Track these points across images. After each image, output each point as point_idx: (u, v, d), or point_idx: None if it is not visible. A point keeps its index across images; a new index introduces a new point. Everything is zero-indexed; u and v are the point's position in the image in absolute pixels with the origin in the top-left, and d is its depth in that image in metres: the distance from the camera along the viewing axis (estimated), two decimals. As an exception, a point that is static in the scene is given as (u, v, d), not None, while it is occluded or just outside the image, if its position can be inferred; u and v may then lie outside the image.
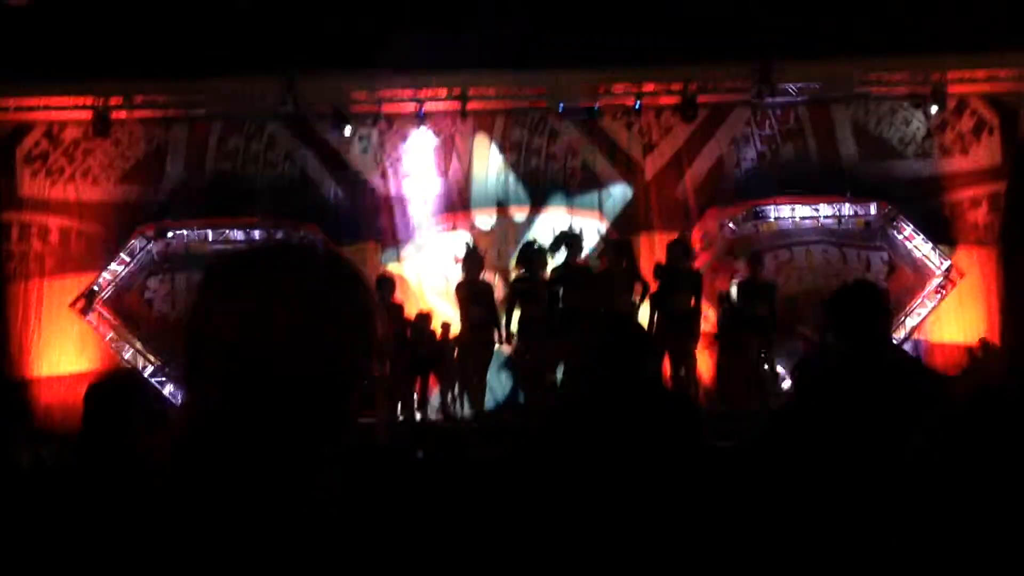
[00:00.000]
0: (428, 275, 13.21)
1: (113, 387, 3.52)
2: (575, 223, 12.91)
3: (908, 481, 3.37)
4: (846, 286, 4.18)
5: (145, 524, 1.01)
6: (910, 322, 12.62)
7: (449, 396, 11.32)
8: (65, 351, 12.64)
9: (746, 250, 12.32)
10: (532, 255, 10.79)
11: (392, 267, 12.93)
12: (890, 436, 3.35)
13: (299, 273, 1.11)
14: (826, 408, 3.67)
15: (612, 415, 4.00)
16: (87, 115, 12.67)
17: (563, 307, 10.50)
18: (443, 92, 12.92)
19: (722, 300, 11.88)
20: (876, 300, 3.89)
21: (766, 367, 11.31)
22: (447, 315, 11.83)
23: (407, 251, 13.25)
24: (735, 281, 11.69)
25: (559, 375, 10.75)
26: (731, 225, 13.04)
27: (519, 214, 13.36)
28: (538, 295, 10.59)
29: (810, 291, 12.55)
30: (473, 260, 11.11)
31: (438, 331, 11.50)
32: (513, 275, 11.40)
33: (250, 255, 1.16)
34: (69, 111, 12.77)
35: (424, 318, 11.45)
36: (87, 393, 3.19)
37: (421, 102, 12.93)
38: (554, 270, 10.87)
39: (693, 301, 10.71)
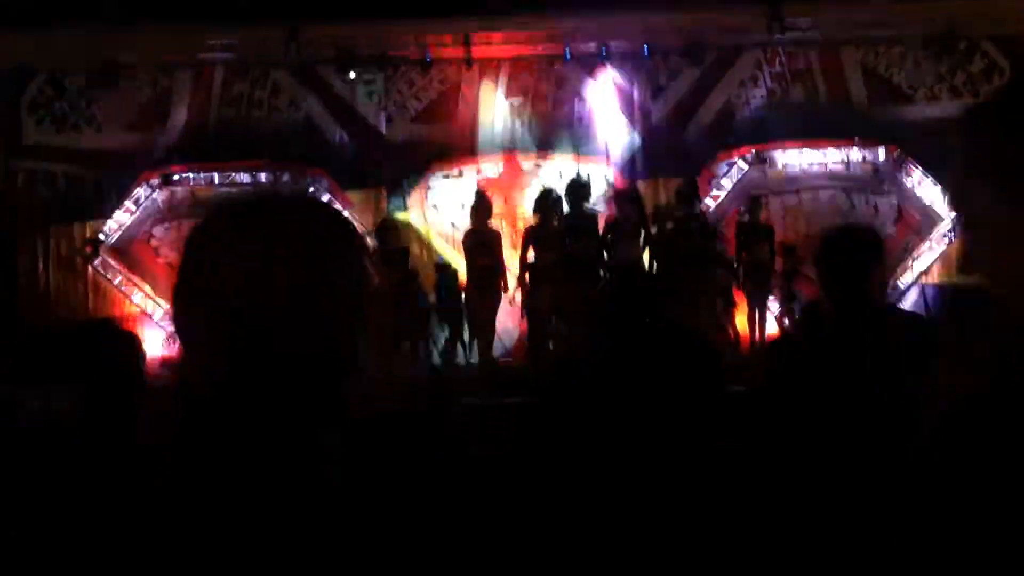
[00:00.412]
0: (435, 222, 13.19)
1: (119, 334, 3.52)
2: (582, 170, 12.86)
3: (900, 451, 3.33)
4: (834, 230, 3.75)
5: (145, 495, 1.00)
6: (918, 266, 12.59)
7: (450, 344, 11.35)
8: (73, 298, 12.68)
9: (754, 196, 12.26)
10: (548, 203, 10.71)
11: (398, 214, 12.90)
12: (875, 396, 3.30)
13: (298, 226, 1.09)
14: (808, 368, 3.56)
15: (621, 363, 3.99)
16: (91, 62, 12.58)
17: (570, 255, 10.46)
18: (448, 38, 12.81)
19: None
20: (867, 247, 3.49)
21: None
22: (454, 262, 11.83)
23: (413, 198, 13.21)
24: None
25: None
26: (738, 169, 12.97)
27: (526, 161, 13.29)
28: (552, 243, 10.53)
29: (816, 236, 12.53)
30: (480, 207, 11.05)
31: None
32: (529, 223, 11.31)
33: (245, 206, 1.13)
34: (73, 58, 12.66)
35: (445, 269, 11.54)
36: (82, 340, 3.18)
37: (426, 48, 12.82)
38: (564, 217, 10.82)
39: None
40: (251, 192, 1.30)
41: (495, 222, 11.34)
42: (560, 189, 11.33)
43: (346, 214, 1.09)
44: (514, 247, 11.50)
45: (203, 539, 0.96)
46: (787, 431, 3.57)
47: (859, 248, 3.47)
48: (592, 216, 11.03)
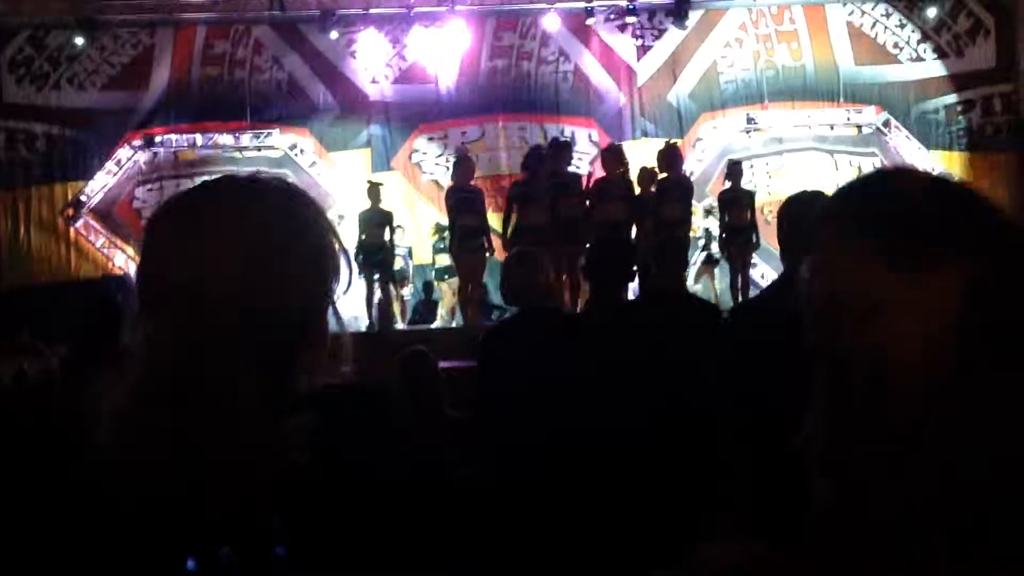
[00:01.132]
0: (419, 181, 13.15)
1: (99, 296, 3.51)
2: (567, 129, 12.81)
3: None
4: (795, 197, 3.50)
5: (97, 468, 0.99)
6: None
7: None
8: (54, 259, 12.62)
9: (738, 158, 12.26)
10: (535, 161, 10.63)
11: (383, 174, 12.84)
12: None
13: (248, 208, 1.09)
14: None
15: (606, 326, 4.01)
16: (72, 19, 12.44)
17: (557, 215, 10.41)
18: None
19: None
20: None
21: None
22: (440, 221, 11.80)
23: (397, 159, 13.16)
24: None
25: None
26: (723, 132, 12.97)
27: (510, 120, 13.23)
28: (539, 199, 10.45)
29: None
30: (464, 166, 10.99)
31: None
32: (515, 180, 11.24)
33: (196, 192, 1.14)
34: (52, 14, 12.51)
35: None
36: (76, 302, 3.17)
37: (411, 5, 12.71)
38: (550, 176, 10.75)
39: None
40: (207, 180, 1.30)
41: (478, 182, 11.28)
42: (546, 148, 11.27)
43: (309, 194, 1.08)
44: (498, 209, 11.46)
45: (164, 524, 0.96)
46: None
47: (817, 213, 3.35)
48: (577, 176, 10.98)
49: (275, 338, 1.05)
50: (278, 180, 1.19)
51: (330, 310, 1.13)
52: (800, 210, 3.26)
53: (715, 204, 11.51)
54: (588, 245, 4.19)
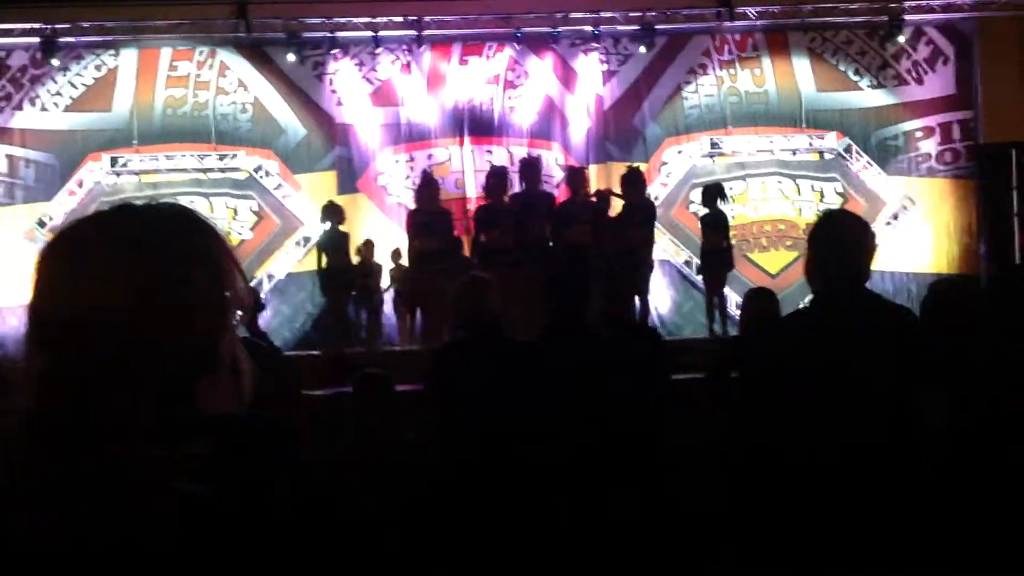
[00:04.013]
0: (385, 204, 13.14)
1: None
2: (533, 152, 12.85)
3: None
4: (827, 216, 3.72)
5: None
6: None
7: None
8: (16, 281, 12.47)
9: (702, 182, 12.37)
10: (498, 182, 10.64)
11: (349, 196, 12.81)
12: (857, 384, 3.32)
13: (139, 239, 1.09)
14: (792, 345, 3.51)
15: (562, 352, 4.03)
16: (33, 40, 12.37)
17: (520, 237, 10.41)
18: (399, 18, 12.73)
19: None
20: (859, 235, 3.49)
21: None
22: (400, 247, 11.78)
23: (363, 180, 13.15)
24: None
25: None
26: (687, 156, 13.09)
27: (477, 143, 13.26)
28: (500, 222, 10.44)
29: (764, 221, 12.86)
30: (427, 189, 11.00)
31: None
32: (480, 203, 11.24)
33: (86, 223, 1.13)
34: (15, 36, 12.42)
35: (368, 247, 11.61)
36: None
37: (377, 28, 12.74)
38: (515, 196, 10.76)
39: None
40: (101, 211, 1.28)
41: (444, 206, 11.29)
42: (511, 170, 11.31)
43: (205, 218, 1.07)
44: (467, 232, 11.48)
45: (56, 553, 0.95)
46: (767, 417, 3.59)
47: (851, 235, 3.46)
48: (544, 197, 11.01)
49: (168, 370, 1.04)
50: (176, 207, 1.18)
51: (228, 338, 1.13)
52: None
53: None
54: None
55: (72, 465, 0.96)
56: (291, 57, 12.81)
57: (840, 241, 3.39)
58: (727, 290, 11.36)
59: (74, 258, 1.08)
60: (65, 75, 12.85)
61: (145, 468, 0.96)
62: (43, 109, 12.85)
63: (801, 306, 3.87)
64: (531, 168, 10.92)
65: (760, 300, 5.76)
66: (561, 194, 11.50)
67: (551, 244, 10.28)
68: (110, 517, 0.95)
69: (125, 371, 0.99)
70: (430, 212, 10.72)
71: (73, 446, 0.97)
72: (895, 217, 12.92)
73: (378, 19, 12.71)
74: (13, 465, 0.99)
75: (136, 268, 1.05)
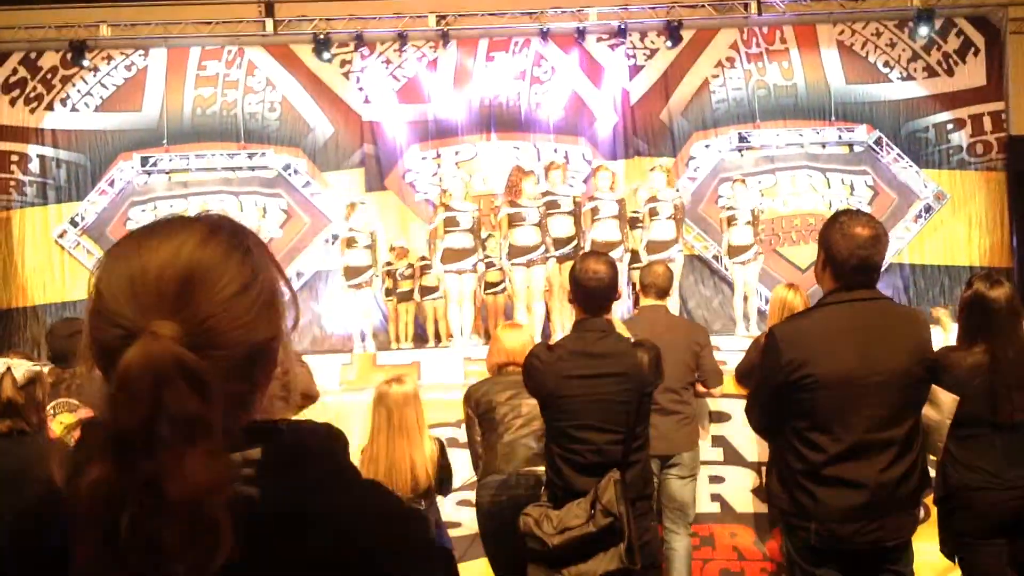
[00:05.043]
0: (412, 200, 13.18)
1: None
2: (560, 148, 12.85)
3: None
4: (843, 213, 3.59)
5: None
6: (894, 245, 12.67)
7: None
8: (48, 280, 12.63)
9: (730, 176, 12.32)
10: (520, 180, 10.63)
11: (376, 193, 12.87)
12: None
13: (202, 254, 1.10)
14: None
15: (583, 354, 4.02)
16: (64, 41, 12.50)
17: (547, 235, 10.42)
18: (425, 15, 12.76)
19: None
20: (874, 233, 3.41)
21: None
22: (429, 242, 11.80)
23: (391, 177, 13.20)
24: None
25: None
26: (715, 150, 13.03)
27: (504, 139, 13.27)
28: (527, 218, 10.42)
29: (793, 215, 12.78)
30: (456, 185, 11.01)
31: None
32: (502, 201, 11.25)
33: (142, 235, 1.14)
34: (45, 38, 12.55)
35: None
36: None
37: (403, 26, 12.77)
38: (542, 194, 10.75)
39: None
40: (152, 223, 1.30)
41: (471, 202, 11.29)
42: (537, 167, 11.31)
43: (248, 227, 1.09)
44: (495, 228, 11.48)
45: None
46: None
47: (862, 235, 3.41)
48: (568, 194, 10.99)
49: (233, 377, 1.06)
50: (227, 217, 1.20)
51: (283, 344, 1.15)
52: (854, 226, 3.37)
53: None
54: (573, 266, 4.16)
55: (137, 470, 0.98)
56: (318, 55, 12.85)
57: (851, 242, 3.38)
58: (758, 285, 11.31)
59: (131, 271, 1.10)
60: (95, 75, 12.97)
61: (207, 474, 0.98)
62: (74, 109, 12.98)
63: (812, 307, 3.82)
64: (554, 166, 10.91)
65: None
66: (589, 190, 11.48)
67: (576, 241, 10.26)
68: (172, 522, 0.97)
69: (194, 379, 1.00)
70: (459, 208, 10.72)
71: (140, 451, 0.98)
72: (926, 210, 12.81)
73: (404, 16, 12.74)
74: (77, 467, 1.01)
75: (199, 282, 1.07)
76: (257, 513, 1.03)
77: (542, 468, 4.21)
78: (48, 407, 3.55)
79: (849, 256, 3.39)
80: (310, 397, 4.67)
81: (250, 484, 1.04)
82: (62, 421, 3.74)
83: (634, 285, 9.18)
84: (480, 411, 4.93)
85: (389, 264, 11.86)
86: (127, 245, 1.13)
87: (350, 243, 10.97)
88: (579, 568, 3.63)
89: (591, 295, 3.91)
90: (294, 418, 1.15)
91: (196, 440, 0.98)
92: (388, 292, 11.94)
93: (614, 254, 10.20)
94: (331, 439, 1.16)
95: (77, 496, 0.98)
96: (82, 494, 0.98)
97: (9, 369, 3.20)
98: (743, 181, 11.38)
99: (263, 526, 1.03)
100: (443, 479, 4.87)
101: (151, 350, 1.01)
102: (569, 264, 9.29)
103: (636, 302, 7.81)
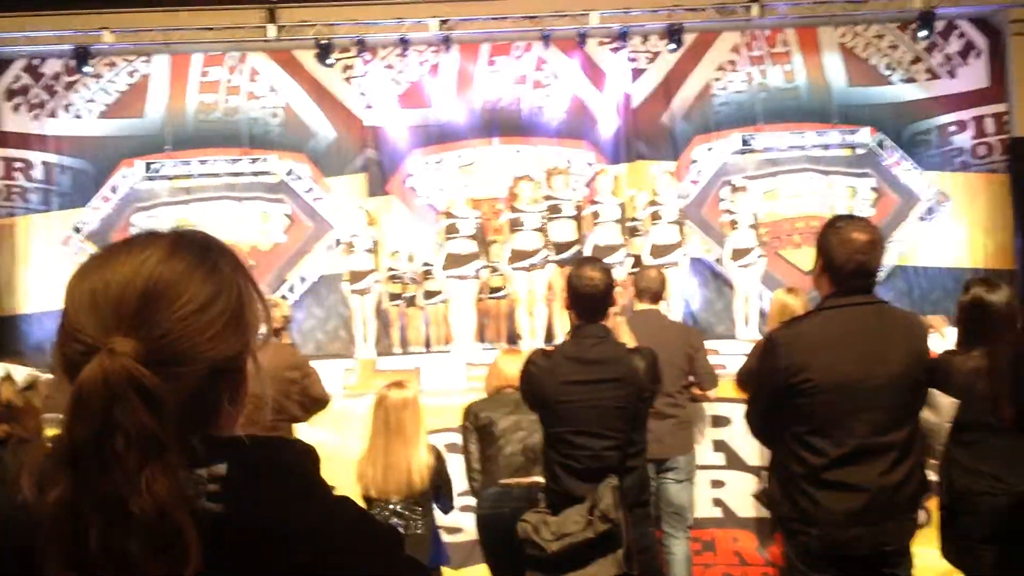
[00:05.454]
0: (414, 205, 13.17)
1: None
2: (562, 153, 12.85)
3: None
4: (839, 219, 3.61)
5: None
6: (897, 248, 12.66)
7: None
8: (53, 287, 12.63)
9: (732, 179, 12.33)
10: (521, 185, 10.66)
11: (379, 198, 12.89)
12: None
13: (167, 269, 1.11)
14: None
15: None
16: (67, 47, 12.52)
17: (550, 239, 10.45)
18: (427, 20, 12.76)
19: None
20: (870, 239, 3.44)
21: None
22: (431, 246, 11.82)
23: (393, 182, 13.20)
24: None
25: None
26: (717, 153, 13.03)
27: (506, 145, 13.27)
28: (528, 223, 10.46)
29: (796, 218, 12.76)
30: (457, 191, 11.05)
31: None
32: (504, 207, 11.28)
33: (112, 252, 1.15)
34: (48, 44, 12.58)
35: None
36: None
37: (405, 31, 12.77)
38: (544, 198, 10.78)
39: None
40: (127, 239, 1.30)
41: (472, 208, 11.31)
42: (539, 173, 11.33)
43: (227, 244, 1.09)
44: (498, 232, 11.51)
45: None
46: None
47: (859, 241, 3.44)
48: (570, 199, 11.01)
49: (195, 393, 1.06)
50: (200, 233, 1.20)
51: (250, 360, 1.15)
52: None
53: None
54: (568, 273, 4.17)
55: (101, 486, 0.98)
56: (320, 61, 12.85)
57: (848, 247, 3.39)
58: (761, 288, 11.32)
59: (100, 286, 1.10)
60: (98, 82, 12.99)
61: (166, 489, 0.98)
62: (77, 116, 13.00)
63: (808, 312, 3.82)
64: (559, 171, 10.94)
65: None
66: (591, 195, 11.50)
67: (577, 245, 10.29)
68: (139, 537, 0.97)
69: (152, 395, 1.00)
70: (458, 215, 10.76)
71: (95, 467, 0.98)
72: (929, 212, 12.79)
73: (406, 21, 12.75)
74: (41, 484, 1.01)
75: (161, 298, 1.08)
76: (223, 528, 1.03)
77: (543, 480, 4.22)
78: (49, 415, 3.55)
79: (847, 261, 3.40)
80: (322, 401, 4.70)
81: (216, 500, 1.04)
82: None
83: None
84: (479, 424, 4.97)
85: (393, 269, 11.86)
86: (95, 260, 1.14)
87: (351, 247, 11.02)
88: (577, 574, 3.63)
89: (587, 302, 3.92)
90: (263, 435, 1.14)
91: (151, 456, 0.99)
92: (393, 297, 11.94)
93: (616, 258, 10.28)
94: (300, 455, 1.16)
95: (43, 512, 0.99)
96: (47, 511, 0.99)
97: (9, 374, 3.22)
98: (744, 189, 11.42)
99: (230, 541, 1.03)
100: (441, 489, 4.89)
101: (106, 367, 1.01)
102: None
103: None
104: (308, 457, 1.16)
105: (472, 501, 5.22)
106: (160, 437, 1.00)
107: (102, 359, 1.02)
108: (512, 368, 5.02)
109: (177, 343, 1.06)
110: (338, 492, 1.16)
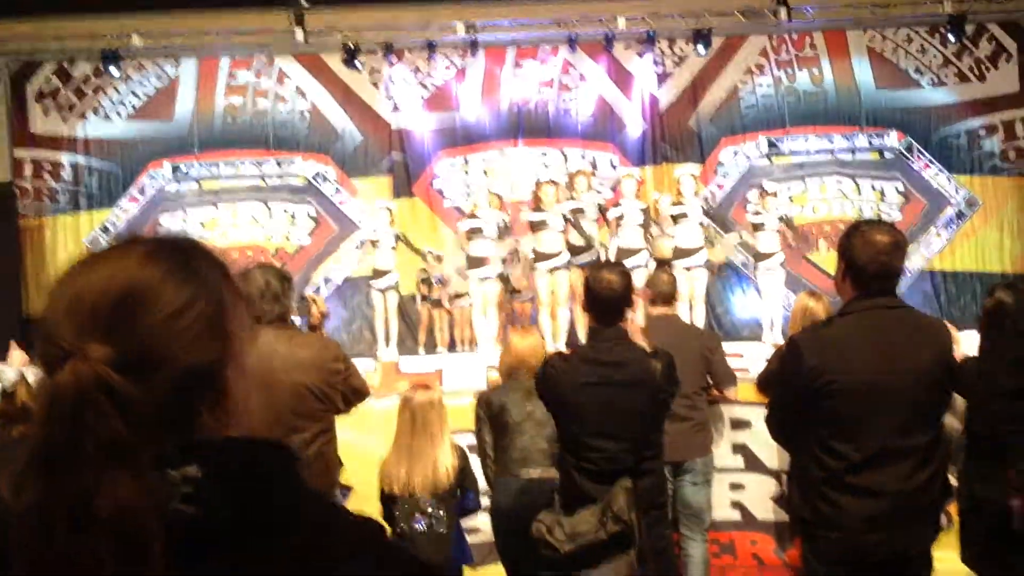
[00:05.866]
0: (440, 207, 13.20)
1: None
2: (588, 154, 12.83)
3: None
4: (858, 224, 3.57)
5: None
6: (926, 252, 12.56)
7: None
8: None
9: (759, 183, 12.26)
10: (544, 189, 10.64)
11: (404, 200, 12.91)
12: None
13: (141, 274, 1.11)
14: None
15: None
16: (97, 51, 12.63)
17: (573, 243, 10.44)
18: (453, 23, 12.78)
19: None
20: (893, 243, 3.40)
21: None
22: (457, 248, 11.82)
23: (418, 184, 13.23)
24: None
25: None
26: (744, 156, 12.98)
27: (531, 146, 13.27)
28: (551, 226, 10.45)
29: (823, 222, 12.68)
30: (481, 193, 11.05)
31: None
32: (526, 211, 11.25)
33: (91, 259, 1.16)
34: (78, 47, 12.69)
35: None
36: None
37: (432, 37, 12.79)
38: (566, 202, 10.77)
39: None
40: (106, 247, 1.31)
41: (497, 210, 11.29)
42: (562, 175, 11.31)
43: (214, 251, 1.10)
44: (519, 233, 11.50)
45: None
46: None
47: (882, 245, 3.40)
48: (594, 201, 10.99)
49: (171, 398, 1.06)
50: (186, 238, 1.20)
51: (230, 368, 1.15)
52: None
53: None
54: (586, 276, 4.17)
55: (69, 487, 0.99)
56: (347, 64, 12.89)
57: (871, 249, 3.35)
58: (786, 292, 11.26)
59: (79, 291, 1.11)
60: (127, 84, 13.10)
61: (134, 492, 0.98)
62: (106, 118, 13.12)
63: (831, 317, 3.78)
64: (579, 174, 10.93)
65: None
66: (616, 197, 11.46)
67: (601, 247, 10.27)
68: (102, 540, 0.97)
69: (125, 399, 1.01)
70: (483, 217, 10.76)
71: (64, 469, 0.99)
72: (958, 216, 12.68)
73: (433, 26, 12.78)
74: (15, 487, 1.02)
75: (136, 303, 1.08)
76: (195, 531, 1.03)
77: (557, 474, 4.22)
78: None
79: (869, 262, 3.37)
80: (362, 393, 4.75)
81: (189, 502, 1.03)
82: None
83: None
84: (492, 414, 4.98)
85: (424, 271, 11.86)
86: (76, 266, 1.14)
87: (374, 245, 11.11)
88: (590, 575, 3.63)
89: (604, 304, 3.91)
90: (240, 436, 1.14)
91: (119, 460, 0.99)
92: (423, 298, 11.95)
93: (639, 260, 10.25)
94: (276, 454, 1.15)
95: (17, 514, 1.00)
96: (20, 513, 0.99)
97: (24, 377, 3.26)
98: (774, 195, 11.37)
99: (202, 544, 1.03)
100: (466, 488, 4.91)
101: (78, 371, 1.02)
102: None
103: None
104: (285, 458, 1.15)
105: (486, 501, 5.22)
106: (130, 440, 1.00)
107: (75, 364, 1.03)
108: (523, 345, 5.07)
109: (151, 349, 1.07)
110: (356, 490, 1.16)
